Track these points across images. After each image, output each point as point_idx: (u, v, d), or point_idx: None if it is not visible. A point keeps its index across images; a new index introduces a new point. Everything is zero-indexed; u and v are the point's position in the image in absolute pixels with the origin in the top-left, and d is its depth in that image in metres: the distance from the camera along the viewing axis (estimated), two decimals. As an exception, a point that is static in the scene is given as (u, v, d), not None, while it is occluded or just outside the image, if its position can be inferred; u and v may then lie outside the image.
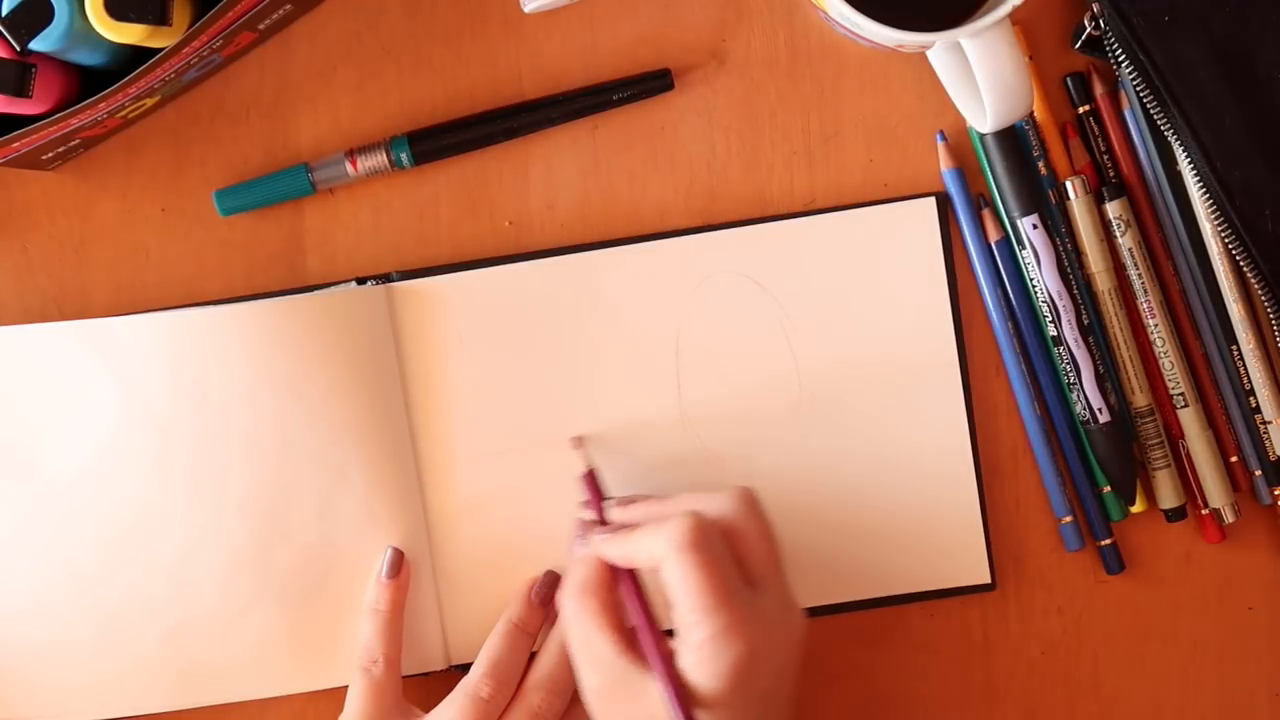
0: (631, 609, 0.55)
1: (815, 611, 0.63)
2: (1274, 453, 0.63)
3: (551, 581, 0.62)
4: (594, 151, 0.63)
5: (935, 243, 0.63)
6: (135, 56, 0.55)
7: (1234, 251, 0.61)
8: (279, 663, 0.62)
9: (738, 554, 0.54)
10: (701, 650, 0.52)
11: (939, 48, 0.59)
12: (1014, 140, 0.62)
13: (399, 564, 0.61)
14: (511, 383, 0.62)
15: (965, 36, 0.54)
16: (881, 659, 0.64)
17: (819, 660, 0.63)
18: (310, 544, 0.61)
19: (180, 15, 0.54)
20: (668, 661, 0.53)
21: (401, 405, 0.62)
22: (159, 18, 0.53)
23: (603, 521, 0.58)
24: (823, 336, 0.63)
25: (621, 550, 0.56)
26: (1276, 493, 0.63)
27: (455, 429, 0.62)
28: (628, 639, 0.54)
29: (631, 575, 0.56)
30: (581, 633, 0.55)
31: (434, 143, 0.62)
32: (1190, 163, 0.60)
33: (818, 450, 0.63)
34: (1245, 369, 0.62)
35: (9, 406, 0.61)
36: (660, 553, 0.53)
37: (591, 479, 0.60)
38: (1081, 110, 0.63)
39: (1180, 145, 0.60)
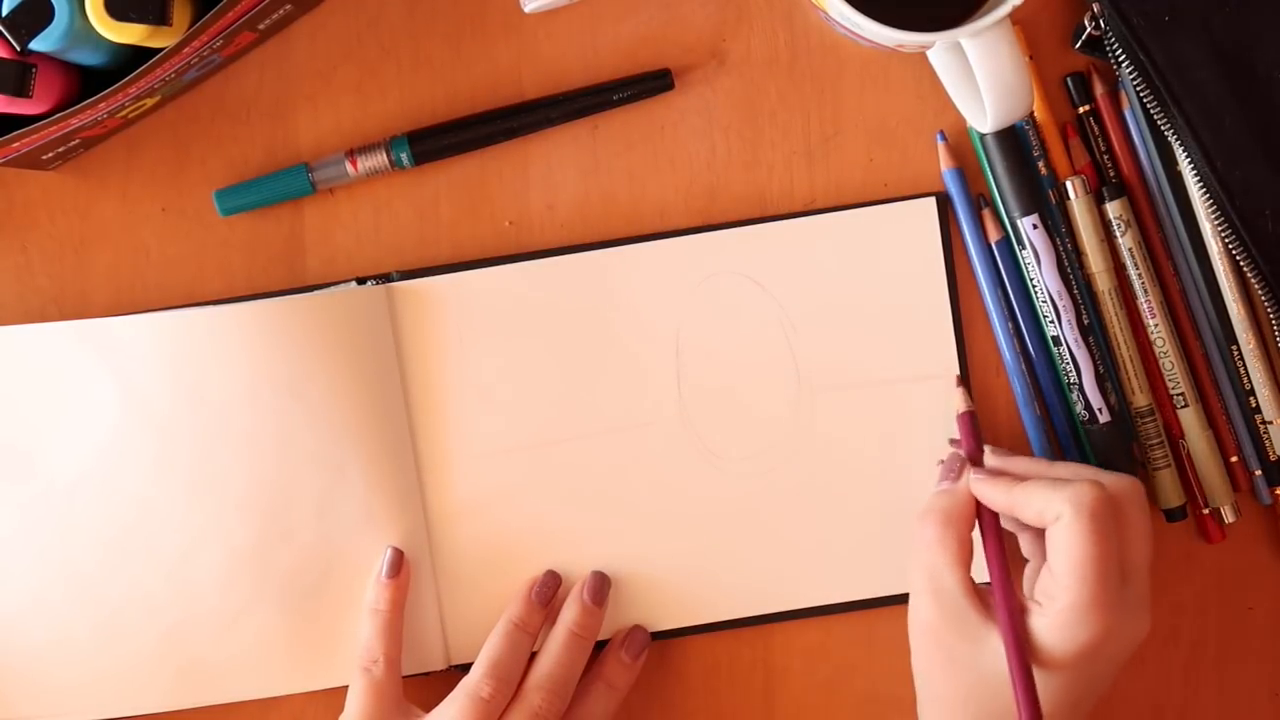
0: (990, 553, 0.55)
1: (817, 612, 0.63)
2: (1274, 453, 0.63)
3: (552, 581, 0.62)
4: (594, 151, 0.63)
5: (935, 243, 0.63)
6: (135, 56, 0.55)
7: (1234, 251, 0.61)
8: (279, 663, 0.62)
9: (1121, 539, 0.54)
10: (1062, 616, 0.52)
11: (939, 48, 0.59)
12: (1014, 140, 0.62)
13: (399, 564, 0.61)
14: (511, 383, 0.62)
15: (965, 36, 0.54)
16: (881, 659, 0.64)
17: (819, 660, 0.63)
18: (310, 544, 0.61)
19: (180, 15, 0.54)
20: (1016, 615, 0.52)
21: (401, 405, 0.62)
22: (159, 18, 0.53)
23: (978, 465, 0.58)
24: (823, 336, 0.63)
25: (1008, 497, 0.55)
26: (1276, 493, 0.63)
27: (455, 429, 0.62)
28: (968, 576, 0.54)
29: (996, 521, 0.56)
30: (933, 561, 0.54)
31: (434, 143, 0.62)
32: (1190, 163, 0.60)
33: (817, 449, 0.63)
34: (1245, 369, 0.62)
35: (9, 406, 0.61)
36: (1057, 511, 0.52)
37: (971, 420, 0.60)
38: (1081, 110, 0.63)
39: (1180, 145, 0.60)
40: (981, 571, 0.55)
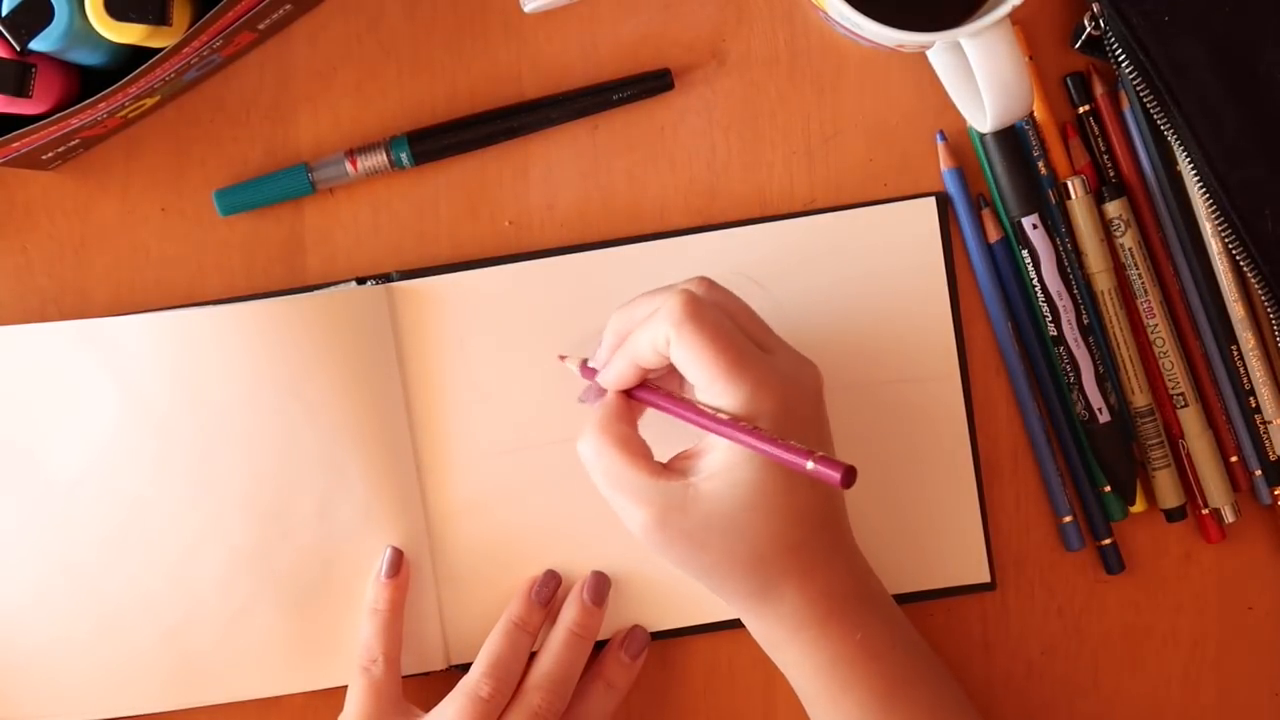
0: (663, 404, 0.55)
1: (815, 611, 0.63)
2: (1274, 453, 0.63)
3: (552, 581, 0.62)
4: (594, 151, 0.63)
5: (935, 243, 0.63)
6: (135, 56, 0.55)
7: (1234, 251, 0.61)
8: (279, 662, 0.62)
9: (732, 319, 0.54)
10: (719, 388, 0.52)
11: (939, 48, 0.59)
12: (1014, 140, 0.62)
13: (398, 564, 0.61)
14: (511, 383, 0.62)
15: (965, 36, 0.54)
16: (881, 659, 0.64)
17: (819, 660, 0.64)
18: (310, 544, 0.61)
19: (180, 15, 0.54)
20: (725, 420, 0.52)
21: (401, 405, 0.62)
22: (159, 18, 0.53)
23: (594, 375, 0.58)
24: (822, 336, 0.63)
25: (622, 362, 0.55)
26: (1276, 493, 0.63)
27: (455, 429, 0.62)
28: (655, 464, 0.54)
29: (644, 386, 0.56)
30: (610, 468, 0.54)
31: (434, 143, 0.62)
32: (1190, 163, 0.60)
33: (818, 450, 0.63)
34: (1245, 369, 0.62)
35: (9, 406, 0.61)
36: (663, 334, 0.52)
37: (585, 365, 0.59)
38: (1081, 110, 0.63)
39: (1180, 145, 0.60)
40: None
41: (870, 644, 0.54)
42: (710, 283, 0.55)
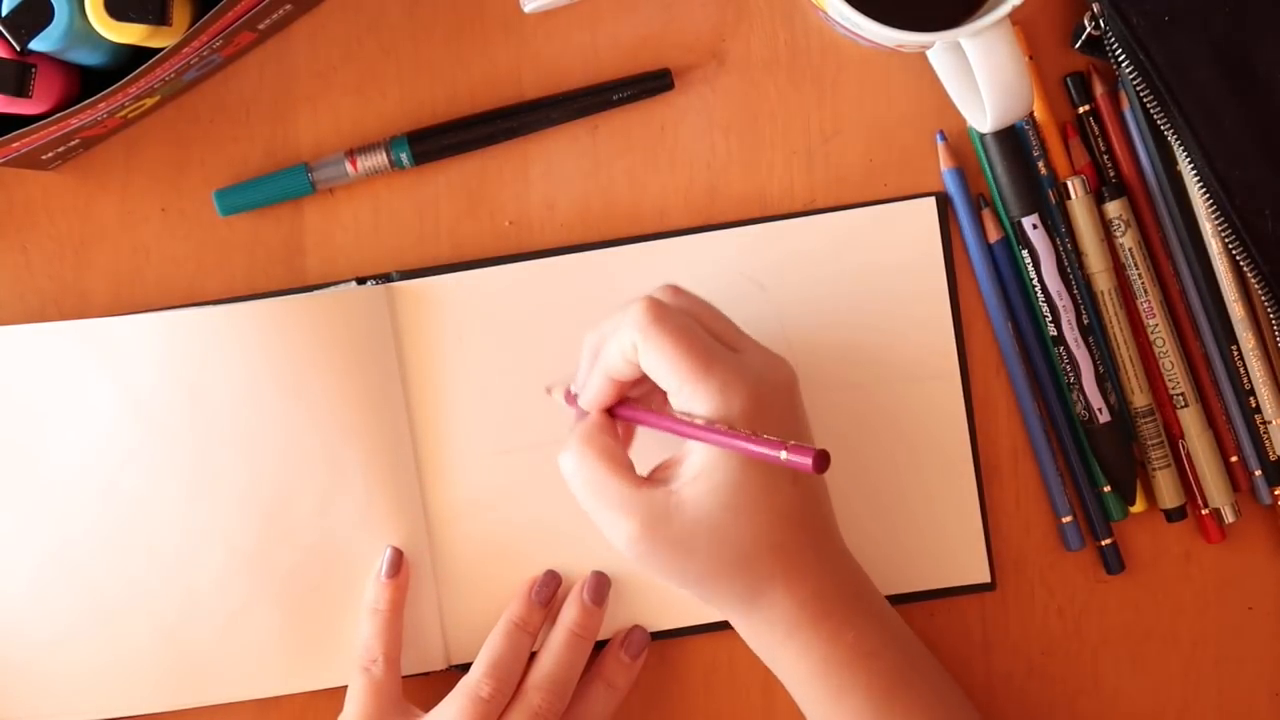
0: (640, 418, 0.55)
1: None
2: (1274, 453, 0.63)
3: (552, 581, 0.62)
4: (594, 151, 0.63)
5: (935, 243, 0.63)
6: (135, 56, 0.55)
7: (1234, 251, 0.61)
8: (279, 662, 0.62)
9: (698, 321, 0.54)
10: (690, 392, 0.52)
11: (939, 48, 0.59)
12: (1014, 140, 0.62)
13: (398, 563, 0.61)
14: (511, 383, 0.62)
15: (965, 36, 0.54)
16: (881, 659, 0.64)
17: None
18: (310, 543, 0.61)
19: (180, 15, 0.54)
20: (699, 424, 0.52)
21: (401, 405, 0.62)
22: (159, 18, 0.53)
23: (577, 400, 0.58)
24: (822, 336, 0.63)
25: (598, 378, 0.55)
26: (1276, 493, 0.63)
27: (455, 429, 0.62)
28: (636, 476, 0.54)
29: (623, 403, 0.56)
30: (592, 480, 0.54)
31: (434, 143, 0.62)
32: (1190, 163, 0.60)
33: (818, 450, 0.63)
34: (1245, 369, 0.62)
35: (9, 406, 0.61)
36: (630, 342, 0.52)
37: (569, 394, 0.59)
38: (1081, 110, 0.63)
39: (1180, 145, 0.60)
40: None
41: (863, 644, 0.54)
42: (676, 289, 0.56)
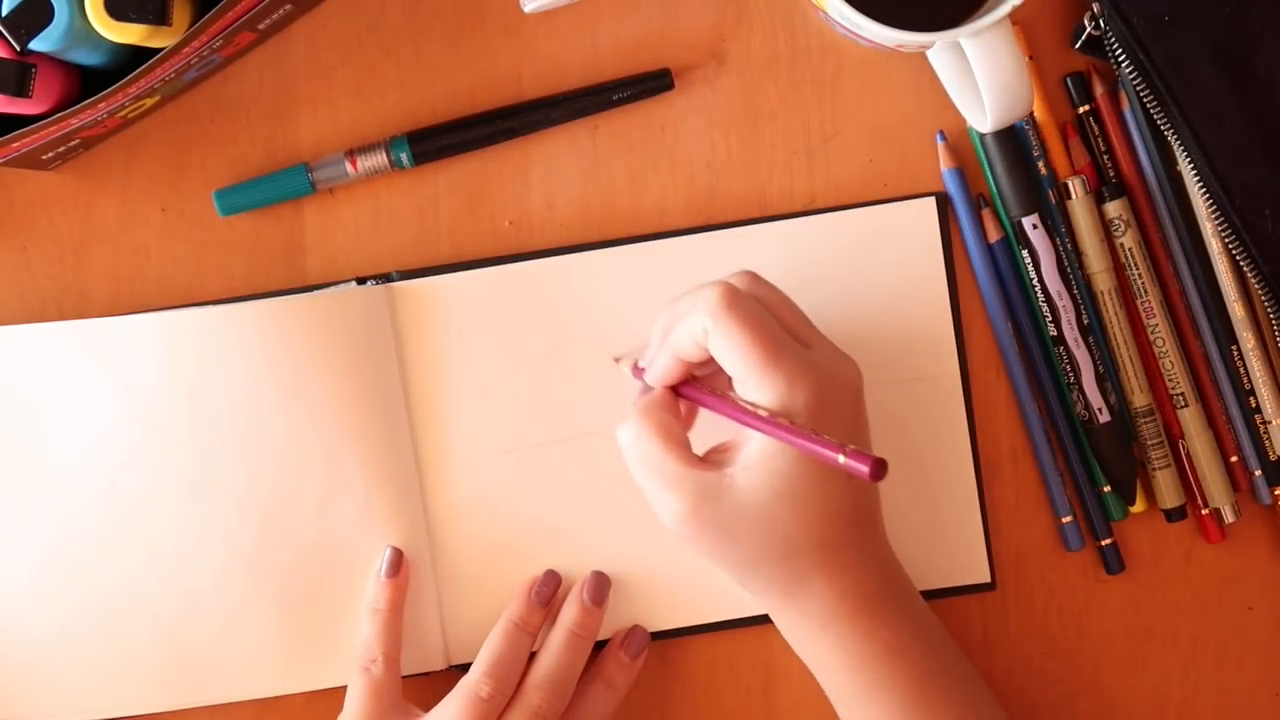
0: (703, 399, 0.55)
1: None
2: (1274, 453, 0.63)
3: (552, 581, 0.62)
4: (594, 151, 0.63)
5: (935, 243, 0.63)
6: (135, 56, 0.55)
7: (1234, 251, 0.61)
8: (279, 662, 0.62)
9: (771, 312, 0.54)
10: (756, 382, 0.52)
11: (939, 48, 0.59)
12: (1014, 140, 0.62)
13: (398, 563, 0.61)
14: (511, 383, 0.62)
15: (965, 36, 0.54)
16: (881, 659, 0.64)
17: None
18: (310, 543, 0.61)
19: (180, 15, 0.54)
20: (761, 415, 0.52)
21: (401, 405, 0.62)
22: (159, 18, 0.53)
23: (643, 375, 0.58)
24: (823, 336, 0.63)
25: (665, 356, 0.55)
26: (1276, 493, 0.63)
27: (455, 429, 0.62)
28: (691, 455, 0.54)
29: (688, 383, 0.56)
30: (647, 454, 0.54)
31: (434, 143, 0.62)
32: (1190, 163, 0.60)
33: (818, 450, 0.63)
34: (1245, 369, 0.62)
35: (9, 406, 0.61)
36: (701, 326, 0.52)
37: (636, 367, 0.59)
38: (1081, 110, 0.63)
39: (1180, 145, 0.60)
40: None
41: (898, 641, 0.54)
42: (753, 276, 0.56)
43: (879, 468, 0.48)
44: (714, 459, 0.54)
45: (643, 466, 0.54)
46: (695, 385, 0.56)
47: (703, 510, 0.53)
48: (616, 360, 0.61)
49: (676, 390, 0.56)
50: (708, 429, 0.58)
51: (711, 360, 0.54)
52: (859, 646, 0.54)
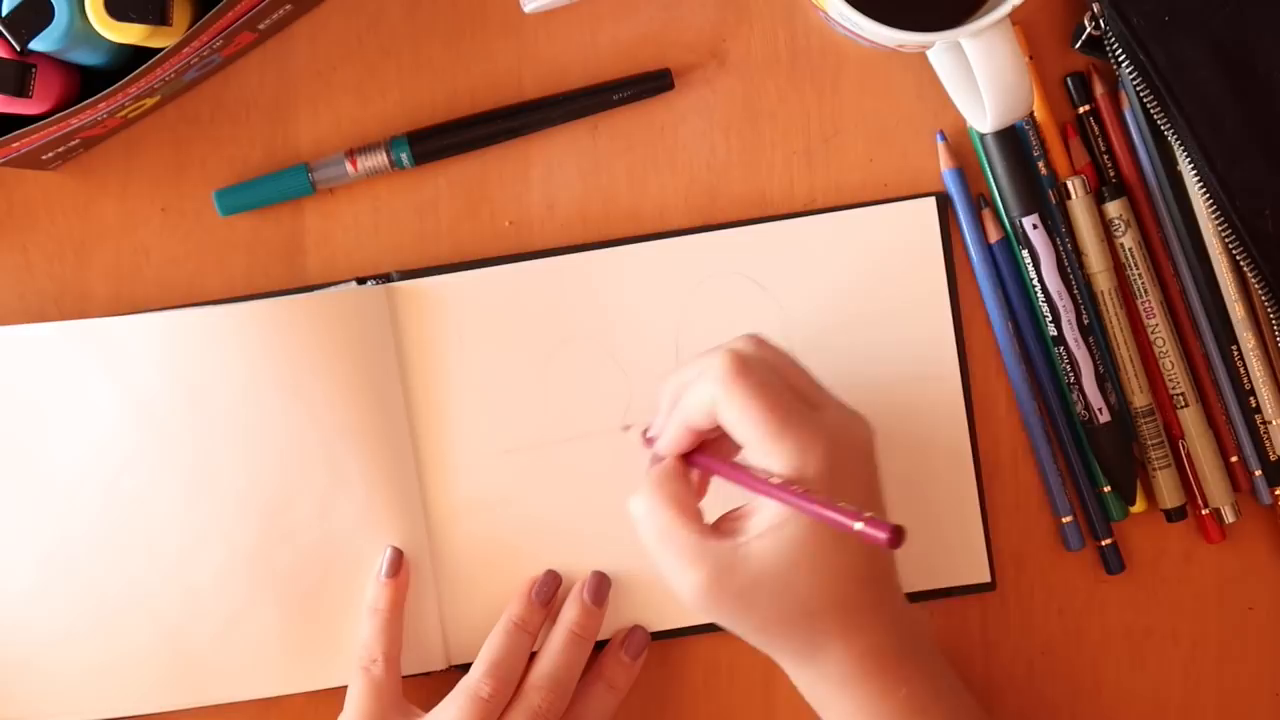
0: (716, 468, 0.55)
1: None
2: (1274, 453, 0.63)
3: (552, 581, 0.62)
4: (594, 151, 0.63)
5: (935, 243, 0.63)
6: (135, 56, 0.55)
7: (1234, 251, 0.61)
8: (279, 662, 0.62)
9: (779, 376, 0.54)
10: (769, 447, 0.52)
11: (939, 48, 0.59)
12: (1014, 140, 0.62)
13: (398, 563, 0.61)
14: (512, 383, 0.62)
15: (965, 36, 0.54)
16: (881, 659, 0.64)
17: (819, 660, 0.64)
18: (310, 544, 0.61)
19: (180, 15, 0.54)
20: (775, 484, 0.52)
21: (401, 405, 0.62)
22: (159, 18, 0.53)
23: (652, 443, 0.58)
24: (822, 337, 0.63)
25: (675, 427, 0.55)
26: (1276, 493, 0.63)
27: (455, 429, 0.62)
28: (704, 525, 0.54)
29: (700, 450, 0.56)
30: (662, 526, 0.54)
31: (434, 143, 0.62)
32: (1190, 163, 0.60)
33: (818, 450, 0.63)
34: (1245, 369, 0.62)
35: (9, 406, 0.61)
36: (709, 395, 0.52)
37: (645, 435, 0.59)
38: (1081, 110, 0.63)
39: (1180, 145, 0.60)
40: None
41: (916, 700, 0.54)
42: (759, 340, 0.55)
43: (896, 536, 0.48)
44: (726, 528, 0.54)
45: (658, 540, 0.54)
46: (707, 454, 0.56)
47: (720, 582, 0.53)
48: (625, 429, 0.61)
49: (688, 459, 0.56)
50: (717, 491, 0.57)
51: (715, 430, 0.54)
52: (877, 705, 0.54)
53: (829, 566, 0.53)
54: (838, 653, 0.53)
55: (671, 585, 0.54)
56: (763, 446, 0.52)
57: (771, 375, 0.53)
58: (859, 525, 0.49)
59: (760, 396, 0.52)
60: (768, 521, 0.52)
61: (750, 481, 0.53)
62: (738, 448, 0.55)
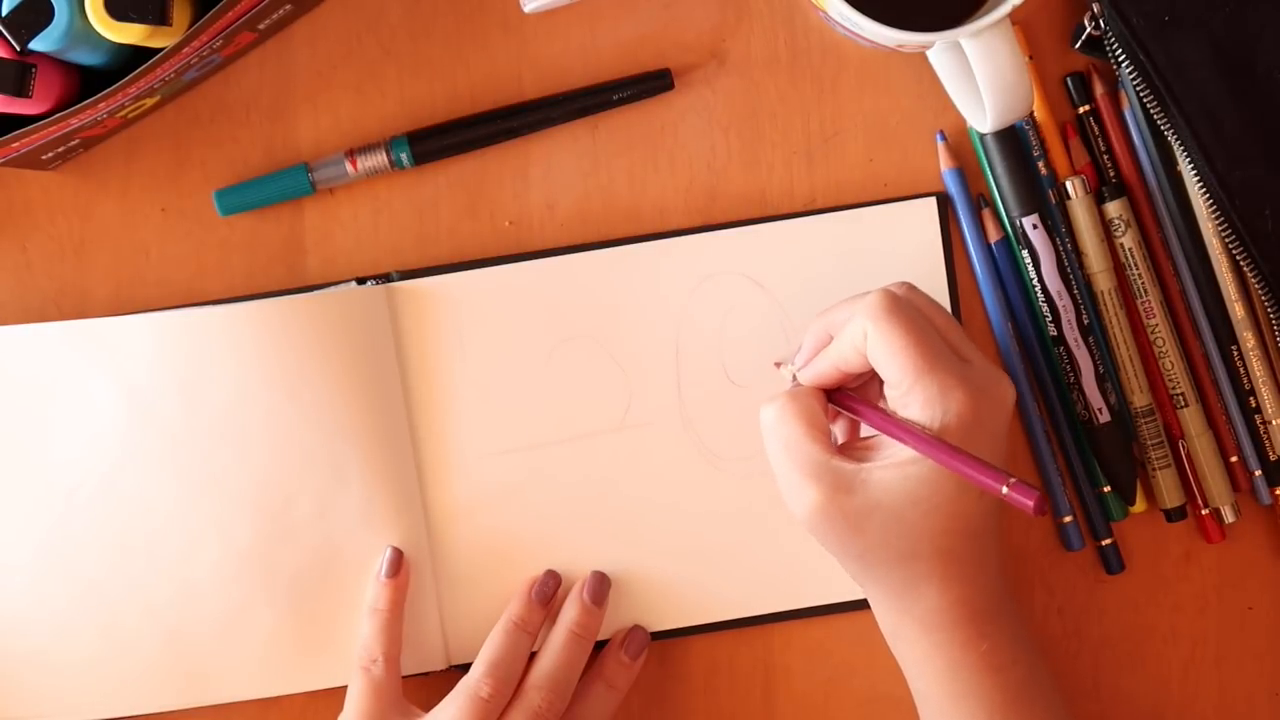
0: (860, 409, 0.55)
1: (817, 612, 0.63)
2: (1274, 453, 0.63)
3: (552, 581, 0.62)
4: (594, 151, 0.63)
5: (935, 243, 0.63)
6: (135, 56, 0.55)
7: (1234, 251, 0.61)
8: (279, 662, 0.62)
9: (932, 324, 0.54)
10: (913, 396, 0.52)
11: (939, 48, 0.59)
12: (1014, 140, 0.62)
13: (398, 563, 0.61)
14: (511, 383, 0.62)
15: (965, 36, 0.54)
16: (881, 659, 0.63)
17: (819, 660, 0.63)
18: (310, 544, 0.61)
19: (180, 15, 0.54)
20: (920, 433, 0.52)
21: (401, 405, 0.62)
22: (159, 18, 0.53)
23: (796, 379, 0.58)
24: (823, 336, 0.63)
25: (823, 362, 0.55)
26: (1276, 493, 0.63)
27: (455, 429, 0.62)
28: (831, 444, 0.54)
29: (842, 392, 0.56)
30: (788, 436, 0.54)
31: (434, 143, 0.62)
32: (1190, 163, 0.60)
33: (818, 450, 0.63)
34: (1245, 369, 0.62)
35: (9, 406, 0.61)
36: (861, 330, 0.53)
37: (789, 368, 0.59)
38: (1081, 110, 0.63)
39: (1180, 145, 0.60)
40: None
41: (994, 657, 0.54)
42: (911, 287, 0.56)
43: (1042, 504, 0.48)
44: (851, 453, 0.54)
45: (782, 449, 0.54)
46: (850, 395, 0.56)
47: (835, 500, 0.53)
48: (777, 365, 0.60)
49: (832, 398, 0.56)
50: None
51: (861, 375, 0.55)
52: (956, 655, 0.54)
53: (945, 513, 0.53)
54: (931, 597, 0.54)
55: (786, 497, 0.54)
56: (905, 383, 0.52)
57: (922, 318, 0.54)
58: (1005, 489, 0.49)
59: (910, 334, 0.52)
60: (896, 456, 0.53)
61: (896, 429, 0.53)
62: (878, 395, 0.55)
